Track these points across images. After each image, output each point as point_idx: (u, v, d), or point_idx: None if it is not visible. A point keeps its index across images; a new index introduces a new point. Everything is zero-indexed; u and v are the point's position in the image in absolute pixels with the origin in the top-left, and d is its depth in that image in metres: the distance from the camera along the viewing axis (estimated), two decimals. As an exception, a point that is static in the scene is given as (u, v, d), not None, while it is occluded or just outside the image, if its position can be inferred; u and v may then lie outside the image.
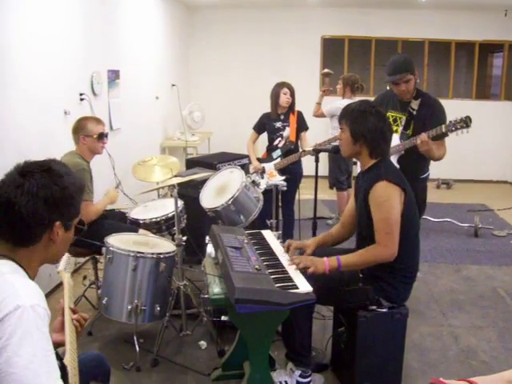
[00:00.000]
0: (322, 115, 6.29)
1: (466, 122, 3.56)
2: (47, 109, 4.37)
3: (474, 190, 9.02)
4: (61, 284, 4.52)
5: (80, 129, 3.88)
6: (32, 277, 1.70)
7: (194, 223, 4.48)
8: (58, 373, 1.52)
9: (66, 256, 2.06)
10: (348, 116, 2.98)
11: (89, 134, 3.86)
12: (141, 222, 4.07)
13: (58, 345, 1.83)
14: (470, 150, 8.84)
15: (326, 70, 6.54)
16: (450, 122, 3.61)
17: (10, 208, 1.61)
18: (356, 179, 3.22)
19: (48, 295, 4.32)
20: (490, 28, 9.14)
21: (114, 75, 5.74)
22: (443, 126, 3.60)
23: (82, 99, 4.91)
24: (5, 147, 3.79)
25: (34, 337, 1.46)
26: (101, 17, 5.43)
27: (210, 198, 3.95)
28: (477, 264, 5.46)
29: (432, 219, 6.62)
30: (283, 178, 4.43)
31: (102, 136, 3.93)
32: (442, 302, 4.53)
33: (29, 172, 1.65)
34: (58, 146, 4.10)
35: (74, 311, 1.89)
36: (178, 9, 8.69)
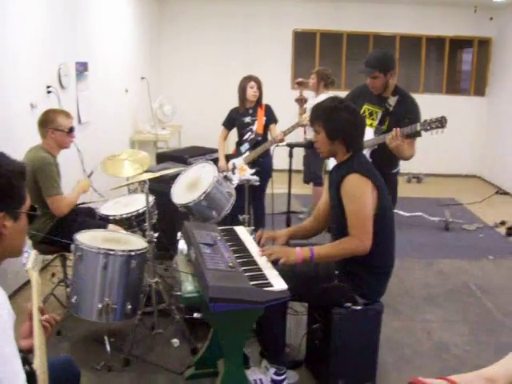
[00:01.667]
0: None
1: (441, 122, 3.55)
2: (12, 101, 4.22)
3: (444, 185, 9.11)
4: (29, 282, 4.41)
5: (49, 122, 3.73)
6: None
7: (165, 218, 4.41)
8: (23, 377, 1.45)
9: (34, 254, 1.98)
10: (320, 115, 2.94)
11: (58, 128, 3.73)
12: (111, 218, 3.98)
13: (27, 351, 1.75)
14: (440, 145, 8.88)
15: (299, 80, 6.44)
16: (425, 121, 3.59)
17: None
18: (330, 172, 3.19)
19: (15, 293, 4.21)
20: (460, 24, 9.25)
21: (82, 67, 5.60)
22: (418, 124, 3.59)
23: (49, 92, 4.77)
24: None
25: None
26: (68, 7, 5.28)
27: (181, 194, 3.88)
28: (448, 258, 5.51)
29: (403, 213, 6.65)
30: (253, 170, 4.38)
31: (71, 130, 3.81)
32: (415, 296, 4.55)
33: None
34: (23, 140, 3.96)
35: (42, 311, 1.81)
36: (148, 1, 8.54)
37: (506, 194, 8.40)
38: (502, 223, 6.66)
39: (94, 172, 4.27)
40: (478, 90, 9.66)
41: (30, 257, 1.95)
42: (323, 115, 2.93)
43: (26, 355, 1.71)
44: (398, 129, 3.55)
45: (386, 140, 3.63)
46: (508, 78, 8.67)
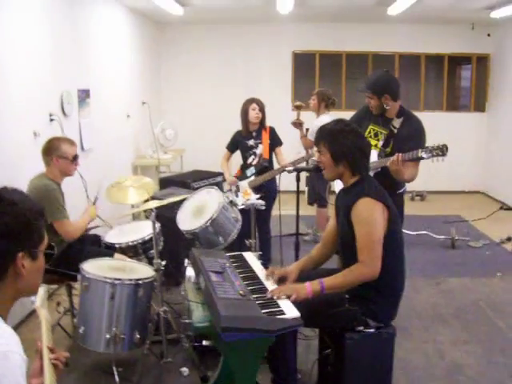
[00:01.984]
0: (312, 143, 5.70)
1: (442, 150, 3.53)
2: (16, 130, 4.22)
3: (448, 201, 9.09)
4: (34, 312, 4.37)
5: (53, 150, 3.74)
6: (4, 316, 1.56)
7: (171, 244, 4.38)
8: None
9: (43, 291, 1.94)
10: (325, 138, 2.94)
11: (63, 156, 3.74)
12: (117, 246, 3.95)
13: None
14: (443, 162, 8.88)
15: (297, 103, 6.42)
16: (427, 147, 3.58)
17: None
18: (336, 197, 3.17)
19: (21, 323, 4.16)
20: (458, 41, 9.29)
21: (84, 94, 5.62)
22: (419, 150, 3.57)
23: (51, 120, 4.78)
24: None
25: None
26: (69, 35, 5.31)
27: (187, 220, 3.86)
28: (456, 276, 5.46)
29: (408, 232, 6.60)
30: (258, 196, 4.34)
31: (76, 158, 3.82)
32: (425, 316, 4.50)
33: None
34: (27, 169, 3.95)
35: (52, 351, 1.76)
36: (147, 25, 8.61)
37: (510, 209, 8.35)
38: (509, 239, 6.62)
39: (98, 198, 4.24)
40: (478, 106, 9.68)
41: (39, 294, 1.90)
42: (328, 137, 2.93)
43: None
44: (400, 154, 3.53)
45: (386, 163, 3.62)
46: (507, 93, 8.69)
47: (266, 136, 5.14)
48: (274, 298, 2.65)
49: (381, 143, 3.86)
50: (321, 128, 3.03)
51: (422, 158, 3.57)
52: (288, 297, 2.66)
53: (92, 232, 4.25)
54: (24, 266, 1.57)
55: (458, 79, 10.53)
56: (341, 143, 2.88)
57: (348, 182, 2.97)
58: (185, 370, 3.55)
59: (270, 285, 2.76)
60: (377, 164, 3.78)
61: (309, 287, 2.73)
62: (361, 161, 2.94)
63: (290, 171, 3.70)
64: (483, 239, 6.73)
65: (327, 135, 2.94)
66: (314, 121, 6.09)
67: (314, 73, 9.55)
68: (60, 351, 1.79)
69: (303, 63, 9.63)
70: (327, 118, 6.17)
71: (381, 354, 2.98)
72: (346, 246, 2.94)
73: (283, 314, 2.39)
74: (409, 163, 3.60)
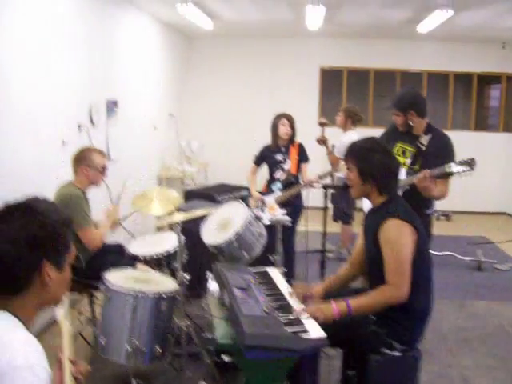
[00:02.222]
0: (338, 160, 5.65)
1: (470, 164, 3.46)
2: (45, 139, 4.28)
3: (474, 222, 8.96)
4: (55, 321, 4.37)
5: (84, 159, 3.79)
6: (28, 326, 1.56)
7: (193, 257, 4.36)
8: None
9: (66, 302, 1.93)
10: (354, 155, 2.92)
11: (93, 165, 3.78)
12: (141, 257, 3.94)
13: None
14: (469, 181, 8.72)
15: (322, 120, 6.37)
16: (454, 161, 3.52)
17: None
18: (365, 217, 3.13)
19: (44, 331, 4.16)
20: (488, 60, 9.21)
21: (112, 105, 5.66)
22: (446, 165, 3.50)
23: (80, 129, 4.81)
24: (1, 178, 3.69)
25: None
26: (100, 46, 5.37)
27: (212, 234, 3.83)
28: (482, 299, 5.36)
29: (434, 252, 6.48)
30: (284, 212, 4.31)
31: (105, 168, 3.86)
32: (450, 340, 4.41)
33: (7, 215, 1.54)
34: (55, 177, 3.98)
35: (73, 363, 1.74)
36: (177, 38, 8.67)
37: (537, 231, 8.21)
38: (536, 262, 6.49)
39: (121, 198, 4.19)
40: (507, 127, 9.56)
41: (62, 305, 1.90)
42: (357, 154, 2.90)
43: None
44: (428, 170, 3.47)
45: (414, 181, 3.55)
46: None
47: (294, 152, 5.12)
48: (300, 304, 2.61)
49: (408, 161, 3.80)
50: (351, 145, 3.00)
51: (450, 174, 3.49)
52: (314, 318, 2.61)
53: (115, 241, 4.26)
54: (50, 275, 1.57)
55: (487, 99, 10.41)
56: (368, 161, 2.85)
57: (376, 202, 2.92)
58: (204, 385, 3.52)
59: (295, 302, 2.71)
60: (405, 182, 3.72)
61: (335, 309, 2.67)
62: (389, 180, 2.90)
63: (317, 187, 3.67)
64: (510, 262, 6.60)
65: (357, 152, 2.91)
66: (341, 137, 6.07)
67: (341, 89, 9.53)
68: (81, 363, 1.78)
69: (331, 79, 9.62)
70: (354, 134, 6.15)
71: (405, 377, 2.91)
72: (373, 267, 2.88)
73: (308, 333, 2.34)
74: (438, 180, 3.54)
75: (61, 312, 1.88)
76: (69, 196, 3.65)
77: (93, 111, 5.09)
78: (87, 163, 3.77)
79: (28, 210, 1.56)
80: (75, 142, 4.47)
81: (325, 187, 3.53)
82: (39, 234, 1.54)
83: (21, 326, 1.52)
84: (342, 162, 4.56)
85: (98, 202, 4.24)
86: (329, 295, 2.92)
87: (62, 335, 1.82)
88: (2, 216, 1.55)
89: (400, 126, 3.82)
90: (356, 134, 6.14)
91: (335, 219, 6.52)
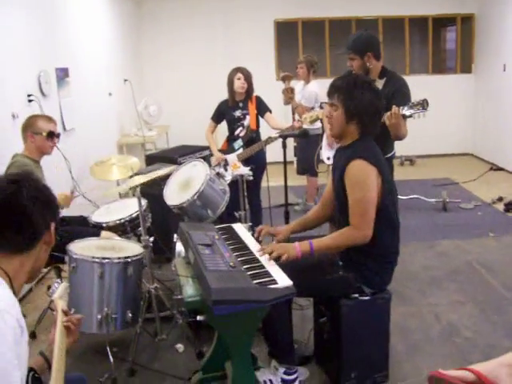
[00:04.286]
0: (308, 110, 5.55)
1: (422, 105, 3.42)
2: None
3: (438, 165, 9.06)
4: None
5: (29, 126, 3.67)
6: (16, 292, 1.60)
7: (159, 221, 4.32)
8: None
9: (64, 286, 1.94)
10: (341, 91, 2.73)
11: (38, 132, 3.65)
12: (104, 224, 3.87)
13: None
14: (430, 125, 8.80)
15: (285, 73, 6.27)
16: (407, 104, 3.47)
17: (19, 211, 1.60)
18: (334, 155, 3.06)
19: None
20: (442, 2, 9.16)
21: (62, 73, 5.47)
22: (400, 108, 3.45)
23: (30, 100, 4.64)
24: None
25: None
26: (45, 12, 5.15)
27: (174, 195, 3.77)
28: (448, 238, 5.44)
29: (400, 197, 6.53)
30: (248, 168, 4.26)
31: (51, 134, 3.71)
32: (419, 280, 4.48)
33: (19, 181, 1.65)
34: (7, 151, 3.85)
35: (66, 313, 1.84)
36: (125, 2, 8.39)
37: (500, 169, 8.34)
38: (500, 199, 6.61)
39: (75, 192, 4.10)
40: (464, 68, 9.59)
41: (59, 288, 1.92)
42: (345, 91, 2.72)
43: (39, 375, 1.75)
44: (397, 107, 3.42)
45: (384, 119, 3.50)
46: (493, 53, 8.60)
47: (252, 107, 5.03)
48: (265, 257, 2.59)
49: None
50: (337, 80, 2.84)
51: (404, 116, 3.45)
52: (279, 256, 2.60)
53: (78, 213, 4.17)
54: (51, 235, 1.72)
55: (443, 41, 10.42)
56: (357, 99, 2.69)
57: (347, 142, 2.82)
58: (180, 347, 3.52)
59: (261, 255, 2.68)
60: None
61: (298, 247, 2.66)
62: (373, 122, 2.77)
63: (275, 138, 3.60)
64: (474, 200, 6.71)
65: (345, 89, 2.72)
66: (306, 88, 6.02)
67: (297, 41, 9.41)
68: (74, 315, 1.90)
69: (285, 32, 9.47)
70: (316, 84, 6.12)
71: (377, 319, 2.95)
72: (341, 208, 2.83)
73: (275, 283, 2.32)
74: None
75: (57, 293, 1.92)
76: (16, 165, 3.54)
77: (42, 81, 4.90)
78: (32, 130, 3.65)
79: (32, 178, 1.72)
80: (26, 115, 4.30)
81: (282, 136, 3.47)
82: (50, 197, 1.73)
83: (6, 287, 1.54)
84: (311, 112, 4.52)
85: (57, 174, 4.14)
86: (292, 240, 2.90)
87: (56, 315, 1.86)
88: (14, 181, 1.65)
89: (356, 71, 3.74)
90: (317, 84, 6.11)
91: (302, 172, 6.50)
